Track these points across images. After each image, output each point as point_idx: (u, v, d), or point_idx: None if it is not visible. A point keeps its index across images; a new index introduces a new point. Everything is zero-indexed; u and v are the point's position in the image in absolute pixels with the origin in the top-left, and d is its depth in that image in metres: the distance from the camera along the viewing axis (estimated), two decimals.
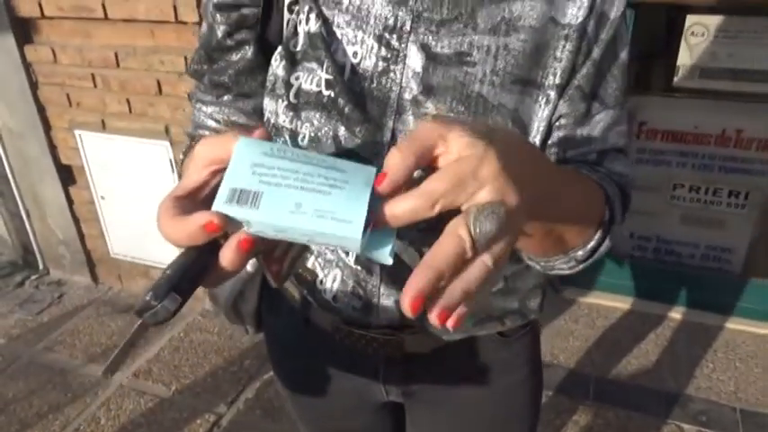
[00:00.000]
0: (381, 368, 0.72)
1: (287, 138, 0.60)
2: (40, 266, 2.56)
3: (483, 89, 0.56)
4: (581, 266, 0.55)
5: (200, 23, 1.76)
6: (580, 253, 0.53)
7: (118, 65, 1.94)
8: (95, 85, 2.02)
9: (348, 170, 0.36)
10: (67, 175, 2.30)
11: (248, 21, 0.62)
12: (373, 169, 0.36)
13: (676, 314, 2.18)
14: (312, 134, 0.58)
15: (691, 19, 1.78)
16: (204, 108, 0.68)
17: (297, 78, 0.59)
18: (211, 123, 0.67)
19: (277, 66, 0.60)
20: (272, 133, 0.62)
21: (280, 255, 0.44)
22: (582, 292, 2.30)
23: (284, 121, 0.60)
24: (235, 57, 0.64)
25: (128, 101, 2.00)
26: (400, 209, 0.35)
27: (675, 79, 1.89)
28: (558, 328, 2.14)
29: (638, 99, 1.98)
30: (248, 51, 0.63)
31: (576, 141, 0.59)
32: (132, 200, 2.20)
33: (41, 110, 2.17)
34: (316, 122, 0.58)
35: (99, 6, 1.86)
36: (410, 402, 0.78)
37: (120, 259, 2.39)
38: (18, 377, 2.00)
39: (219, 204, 0.35)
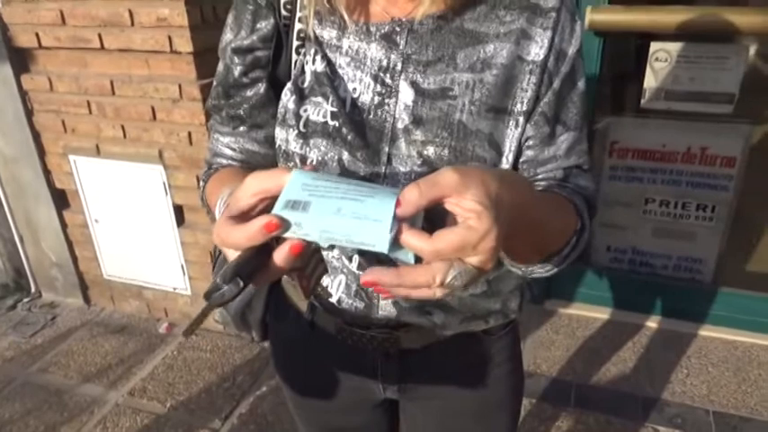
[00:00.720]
0: (379, 365, 0.80)
1: (297, 162, 0.69)
2: (33, 289, 2.59)
3: (463, 117, 0.65)
4: (556, 270, 0.65)
5: (193, 54, 1.85)
6: (555, 259, 0.62)
7: (113, 92, 2.02)
8: (90, 112, 2.09)
9: (376, 188, 0.45)
10: (62, 200, 2.35)
11: (261, 62, 0.71)
12: (397, 189, 0.45)
13: (652, 323, 2.28)
14: (320, 158, 0.67)
15: (654, 45, 1.91)
16: (222, 138, 0.76)
17: (305, 111, 0.68)
18: (228, 152, 0.76)
19: (287, 100, 0.69)
20: (283, 158, 0.71)
21: (309, 273, 0.54)
22: (563, 303, 2.40)
23: (295, 148, 0.68)
24: (249, 93, 0.73)
25: (122, 127, 2.07)
26: (410, 243, 0.43)
27: (643, 101, 2.01)
28: (540, 339, 2.23)
29: (609, 120, 2.10)
30: (261, 88, 0.72)
31: (544, 160, 0.69)
32: (126, 222, 2.26)
33: (36, 136, 2.23)
34: (323, 148, 0.67)
35: (95, 37, 1.94)
36: (404, 399, 0.86)
37: (112, 281, 2.43)
38: (14, 398, 2.03)
39: (277, 210, 0.44)
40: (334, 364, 0.84)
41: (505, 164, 0.67)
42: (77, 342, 2.31)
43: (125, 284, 2.42)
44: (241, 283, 0.44)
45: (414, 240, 0.43)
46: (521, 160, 0.69)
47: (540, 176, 0.69)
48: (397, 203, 0.43)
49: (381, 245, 0.43)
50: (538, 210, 0.54)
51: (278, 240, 0.46)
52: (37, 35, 2.02)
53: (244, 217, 0.47)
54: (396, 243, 0.43)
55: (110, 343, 2.30)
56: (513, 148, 0.67)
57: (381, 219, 0.42)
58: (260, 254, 0.46)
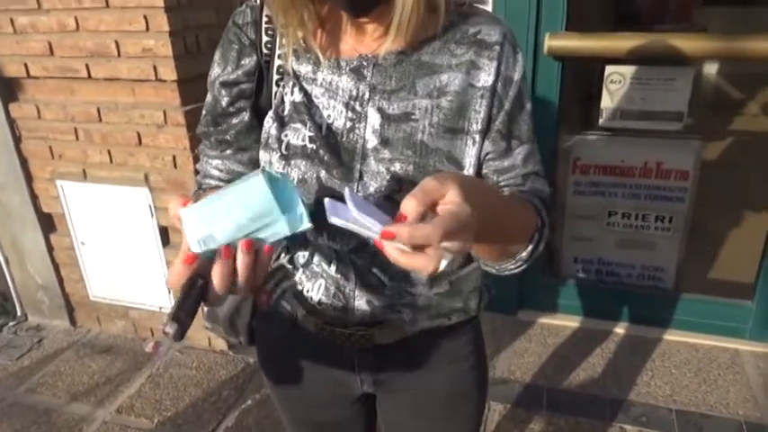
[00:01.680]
0: (356, 360, 0.90)
1: None
2: (19, 313, 2.63)
3: (424, 138, 0.76)
4: (525, 264, 0.76)
5: (177, 81, 1.95)
6: (523, 255, 0.74)
7: (100, 119, 2.10)
8: (78, 138, 2.17)
9: (239, 189, 0.59)
10: (48, 223, 2.41)
11: (245, 93, 0.82)
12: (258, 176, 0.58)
13: (619, 329, 2.40)
14: (300, 177, 0.78)
15: (609, 69, 2.06)
16: (210, 161, 0.87)
17: (286, 135, 0.79)
18: (216, 173, 0.87)
19: (270, 126, 0.80)
20: None
21: (270, 288, 0.66)
22: (534, 313, 2.51)
23: (278, 168, 0.79)
24: (235, 120, 0.84)
25: (109, 152, 2.15)
26: (420, 232, 0.52)
27: (601, 120, 2.15)
28: (514, 348, 2.33)
29: (571, 138, 2.24)
30: (245, 116, 0.83)
31: (504, 169, 0.80)
32: (112, 244, 2.32)
33: (24, 162, 2.30)
34: (302, 168, 0.78)
35: (83, 67, 2.03)
36: (380, 392, 0.96)
37: (98, 302, 2.49)
38: (2, 419, 2.07)
39: (193, 248, 0.58)
40: (315, 360, 0.93)
41: None
42: (64, 363, 2.36)
43: (111, 305, 2.48)
44: (176, 326, 0.55)
45: (421, 230, 0.52)
46: (484, 171, 0.81)
47: (502, 183, 0.81)
48: (402, 217, 0.53)
49: (281, 227, 0.59)
50: (503, 209, 0.66)
51: (204, 280, 0.58)
52: (25, 65, 2.11)
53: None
54: (292, 220, 0.58)
55: (97, 363, 2.35)
56: (472, 163, 0.78)
57: (272, 211, 0.57)
58: (198, 276, 0.58)
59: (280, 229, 0.59)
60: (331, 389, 0.95)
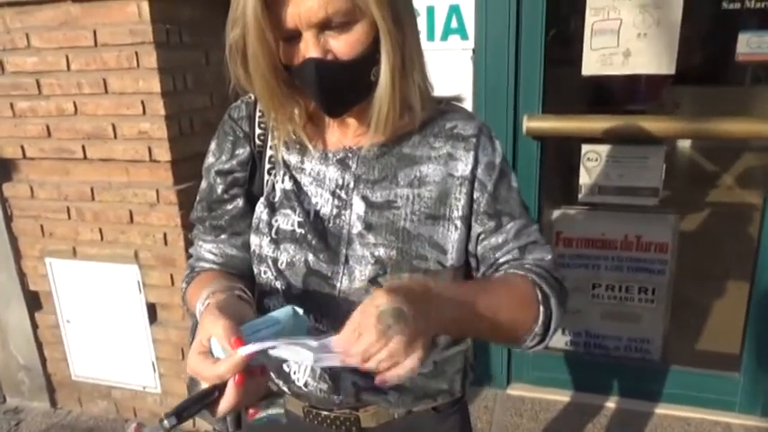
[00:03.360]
0: None
1: (270, 263, 0.83)
2: None
3: (406, 224, 0.81)
4: (548, 338, 0.79)
5: (171, 162, 2.01)
6: (536, 329, 0.77)
7: (93, 198, 2.14)
8: (69, 217, 2.20)
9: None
10: (34, 301, 2.40)
11: (239, 181, 0.88)
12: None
13: (610, 403, 2.38)
14: (288, 260, 0.81)
15: (585, 147, 2.16)
16: (204, 245, 0.91)
17: (276, 221, 0.83)
18: (210, 256, 0.90)
19: (261, 212, 0.84)
20: (257, 261, 0.85)
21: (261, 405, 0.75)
22: (525, 387, 2.49)
23: (267, 252, 0.83)
24: (229, 206, 0.88)
25: (100, 229, 2.18)
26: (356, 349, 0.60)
27: (580, 195, 2.23)
28: (505, 424, 2.30)
29: (553, 212, 2.32)
30: (239, 202, 0.88)
31: (498, 245, 0.84)
32: (98, 321, 2.31)
33: (14, 240, 2.31)
34: (291, 251, 0.81)
35: (79, 148, 2.09)
36: None
37: (80, 381, 2.43)
38: None
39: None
40: None
41: (450, 260, 0.82)
42: None
43: (93, 385, 2.42)
44: (174, 422, 0.60)
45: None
46: (480, 252, 0.84)
47: (501, 259, 0.83)
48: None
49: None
50: (471, 299, 0.72)
51: (220, 393, 0.62)
52: (22, 147, 2.16)
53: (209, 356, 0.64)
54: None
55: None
56: (456, 247, 0.82)
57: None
58: (216, 389, 0.62)
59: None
60: None
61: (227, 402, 0.61)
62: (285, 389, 0.89)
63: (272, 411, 0.83)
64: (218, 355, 0.62)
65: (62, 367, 2.44)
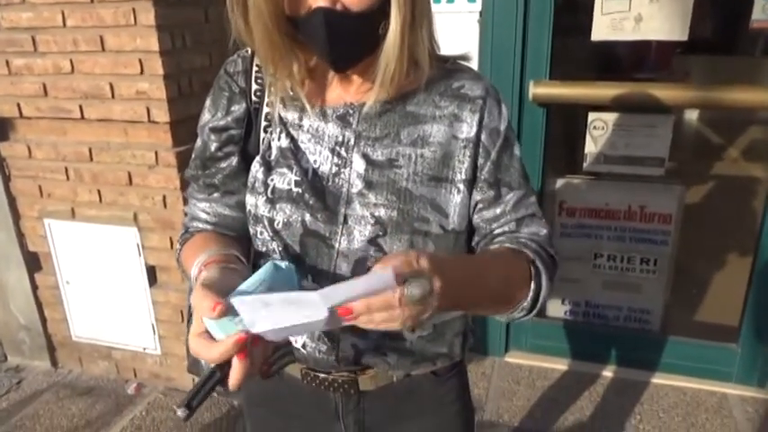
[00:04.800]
0: (341, 407, 0.89)
1: (266, 224, 0.80)
2: None
3: (408, 185, 0.78)
4: (533, 311, 0.79)
5: (170, 123, 1.98)
6: (525, 304, 0.77)
7: (91, 159, 2.11)
8: (68, 178, 2.17)
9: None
10: (34, 262, 2.39)
11: (234, 139, 0.85)
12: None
13: (607, 372, 2.40)
14: (285, 220, 0.79)
15: (592, 115, 2.12)
16: (198, 204, 0.88)
17: (272, 180, 0.81)
18: (203, 216, 0.88)
19: (257, 170, 0.82)
20: (252, 221, 0.82)
21: (272, 360, 0.73)
22: (523, 355, 2.50)
23: (263, 212, 0.80)
24: (223, 164, 0.86)
25: (98, 191, 2.16)
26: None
27: (585, 165, 2.20)
28: (502, 390, 2.32)
29: (556, 181, 2.29)
30: (234, 160, 0.85)
31: (496, 217, 0.82)
32: (98, 283, 2.31)
33: (12, 201, 2.30)
34: (288, 211, 0.79)
35: (76, 108, 2.05)
36: None
37: (81, 342, 2.45)
38: None
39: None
40: (300, 408, 0.93)
41: (452, 224, 0.80)
42: (43, 405, 2.30)
43: (94, 345, 2.44)
44: (188, 412, 0.60)
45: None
46: (476, 221, 0.82)
47: (496, 230, 0.82)
48: (344, 311, 0.58)
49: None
50: (475, 275, 0.71)
51: (227, 370, 0.61)
52: (18, 105, 2.13)
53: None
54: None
55: (77, 405, 2.29)
56: (457, 211, 0.80)
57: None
58: (218, 368, 0.62)
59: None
60: None
61: (236, 377, 0.61)
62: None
63: (285, 361, 0.83)
64: (215, 335, 0.61)
65: (62, 328, 2.45)
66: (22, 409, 2.28)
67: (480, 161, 0.80)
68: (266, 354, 0.65)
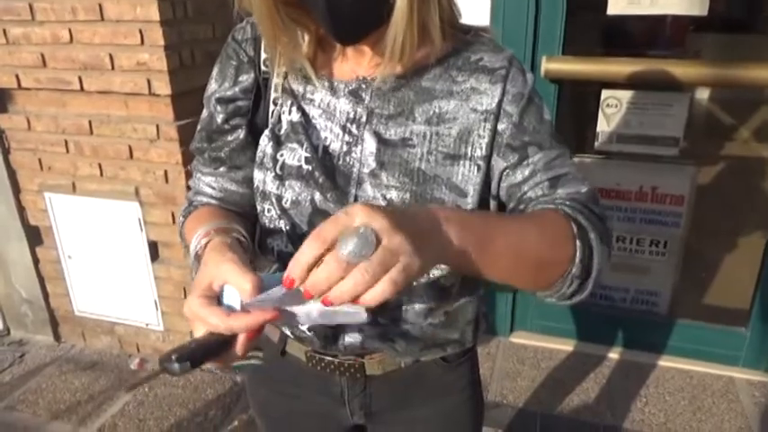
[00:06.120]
0: (346, 391, 0.87)
1: (273, 201, 0.76)
2: (1, 327, 2.57)
3: (422, 165, 0.74)
4: (589, 282, 0.63)
5: (171, 96, 1.93)
6: (574, 271, 0.62)
7: (91, 132, 2.07)
8: (68, 151, 2.13)
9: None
10: (35, 236, 2.37)
11: (242, 110, 0.80)
12: None
13: (613, 354, 2.38)
14: (294, 198, 0.75)
15: (605, 93, 2.06)
16: (203, 178, 0.84)
17: (282, 155, 0.76)
18: (208, 190, 0.84)
19: (265, 145, 0.78)
20: (260, 197, 0.78)
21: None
22: (528, 336, 2.48)
23: (271, 188, 0.76)
24: (230, 137, 0.81)
25: (99, 165, 2.12)
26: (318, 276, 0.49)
27: (597, 143, 2.15)
28: (507, 371, 2.30)
29: None
30: (241, 133, 0.81)
31: (524, 179, 0.72)
32: (99, 258, 2.28)
33: (12, 174, 2.26)
34: (297, 189, 0.75)
35: (75, 79, 2.00)
36: (371, 424, 0.92)
37: (84, 317, 2.44)
38: None
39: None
40: (304, 390, 0.90)
41: (471, 204, 0.73)
42: (46, 379, 2.30)
43: (96, 320, 2.42)
44: (188, 366, 0.52)
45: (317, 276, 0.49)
46: (504, 188, 0.74)
47: (528, 193, 0.71)
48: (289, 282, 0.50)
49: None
50: (484, 223, 0.59)
51: (231, 343, 0.57)
52: (17, 76, 2.08)
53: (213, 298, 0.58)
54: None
55: (80, 380, 2.29)
56: (477, 190, 0.74)
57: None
58: (223, 341, 0.56)
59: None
60: (320, 420, 0.92)
61: (234, 354, 0.57)
62: (288, 332, 0.85)
63: (253, 361, 0.78)
64: (230, 304, 0.57)
65: (65, 302, 2.44)
66: (26, 382, 2.28)
67: (501, 127, 0.73)
68: (258, 340, 0.61)
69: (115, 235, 2.21)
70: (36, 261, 2.40)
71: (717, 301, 2.62)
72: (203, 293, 0.58)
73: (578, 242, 0.62)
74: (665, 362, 2.32)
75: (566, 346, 2.42)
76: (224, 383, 2.24)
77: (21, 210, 2.32)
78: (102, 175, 2.13)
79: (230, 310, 0.57)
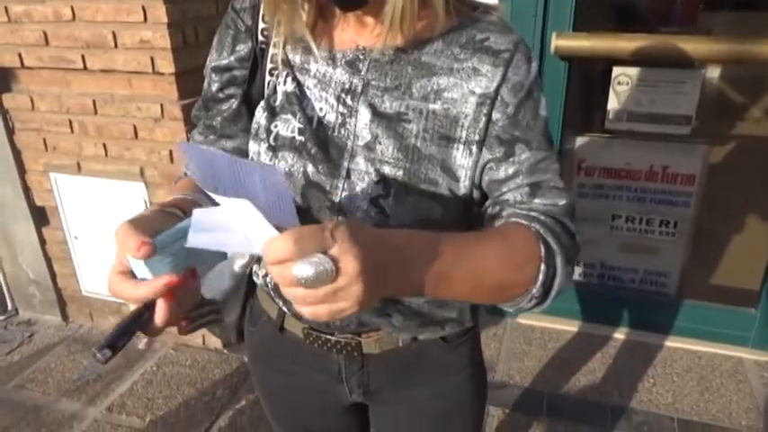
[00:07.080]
0: (344, 369, 0.86)
1: None
2: (9, 307, 2.59)
3: (417, 142, 0.71)
4: (547, 300, 0.66)
5: (175, 74, 1.90)
6: (534, 292, 0.64)
7: (95, 111, 2.05)
8: (72, 131, 2.12)
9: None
10: (41, 216, 2.37)
11: (237, 80, 0.79)
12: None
13: (620, 334, 2.37)
14: (287, 170, 0.74)
15: (617, 70, 2.02)
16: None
17: (275, 126, 0.75)
18: None
19: (260, 116, 0.76)
20: None
21: (193, 317, 0.67)
22: (535, 316, 2.47)
23: (265, 159, 0.75)
24: (224, 106, 0.80)
25: (104, 145, 2.10)
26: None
27: (607, 122, 2.11)
28: (513, 351, 2.30)
29: (576, 139, 2.20)
30: (234, 103, 0.80)
31: (506, 177, 0.71)
32: (106, 238, 2.28)
33: (17, 154, 2.25)
34: (290, 160, 0.74)
35: (78, 58, 1.98)
36: (372, 403, 0.92)
37: (91, 297, 2.44)
38: None
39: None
40: (302, 367, 0.89)
41: (463, 189, 0.72)
42: (55, 359, 2.31)
43: (104, 300, 2.43)
44: (109, 353, 0.53)
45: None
46: (485, 182, 0.73)
47: (506, 195, 0.71)
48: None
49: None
50: (441, 247, 0.58)
51: (151, 312, 0.57)
52: (20, 55, 2.05)
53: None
54: None
55: (88, 359, 2.30)
56: (468, 174, 0.72)
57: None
58: (147, 309, 0.57)
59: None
60: (319, 397, 0.91)
61: (159, 319, 0.57)
62: (285, 309, 0.84)
63: (211, 317, 0.78)
64: (139, 275, 0.57)
65: (72, 283, 2.45)
66: (34, 362, 2.30)
67: (496, 115, 0.71)
68: (194, 299, 0.62)
69: (121, 215, 2.19)
70: (42, 241, 2.40)
71: (726, 281, 2.60)
72: (118, 269, 0.58)
73: (543, 266, 0.64)
74: (674, 342, 2.31)
75: (573, 326, 2.42)
76: (231, 363, 2.25)
77: (26, 190, 2.31)
78: (106, 155, 2.11)
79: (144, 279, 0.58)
